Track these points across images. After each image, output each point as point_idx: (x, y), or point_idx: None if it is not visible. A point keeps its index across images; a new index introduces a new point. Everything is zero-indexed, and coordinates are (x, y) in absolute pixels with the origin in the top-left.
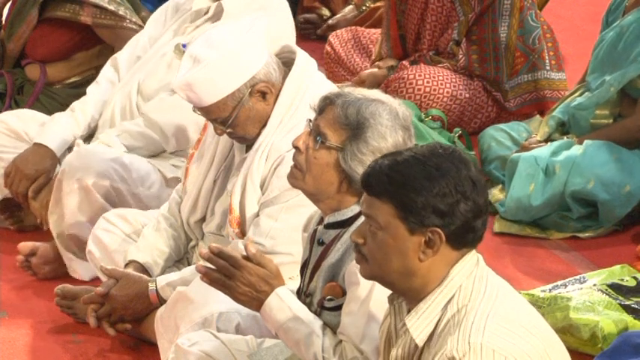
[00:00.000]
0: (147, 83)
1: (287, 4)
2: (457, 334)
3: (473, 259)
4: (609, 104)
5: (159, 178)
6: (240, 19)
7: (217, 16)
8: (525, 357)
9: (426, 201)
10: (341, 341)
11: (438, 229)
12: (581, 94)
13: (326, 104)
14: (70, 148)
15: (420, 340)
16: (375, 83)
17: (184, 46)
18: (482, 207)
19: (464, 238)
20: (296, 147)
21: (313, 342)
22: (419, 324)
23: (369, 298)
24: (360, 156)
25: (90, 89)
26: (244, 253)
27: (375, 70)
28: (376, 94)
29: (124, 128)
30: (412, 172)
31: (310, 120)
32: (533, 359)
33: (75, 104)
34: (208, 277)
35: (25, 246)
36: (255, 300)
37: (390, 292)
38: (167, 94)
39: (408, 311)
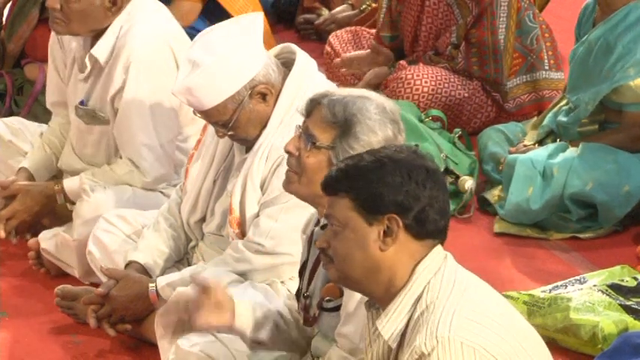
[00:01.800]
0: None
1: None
2: (425, 330)
3: (440, 255)
4: (592, 115)
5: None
6: (238, 21)
7: (97, 66)
8: (495, 348)
9: (380, 189)
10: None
11: (395, 216)
12: (567, 103)
13: (313, 106)
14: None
15: (392, 341)
16: (380, 78)
17: (82, 103)
18: (438, 197)
19: (423, 228)
20: (288, 151)
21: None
22: (389, 325)
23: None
24: (352, 152)
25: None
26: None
27: (377, 69)
28: (361, 91)
29: (118, 181)
30: (365, 164)
31: (299, 125)
32: (503, 349)
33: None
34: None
35: (36, 242)
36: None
37: None
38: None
39: None
